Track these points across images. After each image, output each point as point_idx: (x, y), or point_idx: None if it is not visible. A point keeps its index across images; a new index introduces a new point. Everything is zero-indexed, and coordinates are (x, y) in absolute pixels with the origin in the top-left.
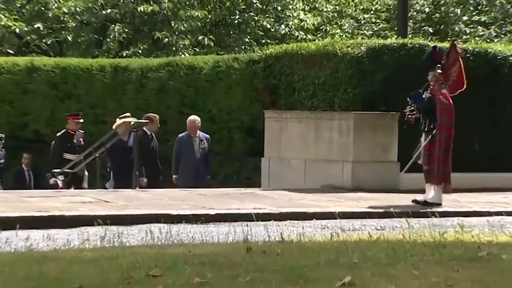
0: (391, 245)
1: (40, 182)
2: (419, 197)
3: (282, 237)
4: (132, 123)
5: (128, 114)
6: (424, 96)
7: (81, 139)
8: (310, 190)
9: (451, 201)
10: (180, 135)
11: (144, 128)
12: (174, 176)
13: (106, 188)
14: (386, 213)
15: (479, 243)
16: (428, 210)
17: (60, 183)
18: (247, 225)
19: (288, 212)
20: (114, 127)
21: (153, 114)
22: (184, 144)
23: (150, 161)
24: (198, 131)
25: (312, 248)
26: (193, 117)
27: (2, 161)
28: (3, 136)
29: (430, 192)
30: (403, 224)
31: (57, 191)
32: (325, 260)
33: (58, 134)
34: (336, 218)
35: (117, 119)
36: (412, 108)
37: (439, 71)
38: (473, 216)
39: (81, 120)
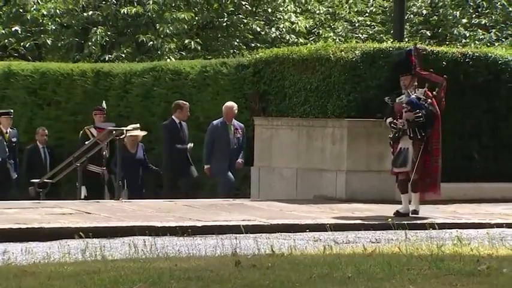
0: (387, 259)
1: (57, 161)
2: (411, 207)
3: (272, 250)
4: (141, 137)
5: (137, 125)
6: (425, 104)
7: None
8: (302, 201)
9: (449, 213)
10: (215, 122)
11: (173, 117)
12: (206, 167)
13: (120, 199)
14: (381, 225)
15: (479, 256)
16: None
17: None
18: (235, 238)
19: (278, 223)
20: (124, 140)
21: (183, 102)
22: (219, 133)
23: (179, 151)
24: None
25: (303, 262)
26: (230, 103)
27: (15, 139)
28: (12, 111)
29: (414, 201)
30: (399, 237)
31: (36, 202)
32: (318, 275)
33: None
34: (329, 230)
35: (125, 130)
36: (420, 115)
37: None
38: (473, 229)
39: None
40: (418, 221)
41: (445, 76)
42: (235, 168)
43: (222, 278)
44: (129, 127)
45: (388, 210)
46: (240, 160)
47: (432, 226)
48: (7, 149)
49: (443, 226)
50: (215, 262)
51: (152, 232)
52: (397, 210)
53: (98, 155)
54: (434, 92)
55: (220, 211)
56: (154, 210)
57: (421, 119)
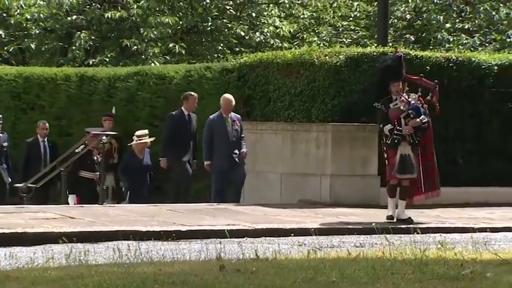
0: (371, 263)
1: (57, 154)
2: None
3: (256, 254)
4: (148, 143)
5: (146, 132)
6: (424, 109)
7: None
8: (286, 205)
9: (433, 217)
10: (211, 116)
11: (182, 108)
12: (206, 163)
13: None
14: (366, 230)
15: (463, 260)
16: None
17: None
18: (220, 243)
19: (263, 228)
20: (133, 146)
21: (190, 92)
22: (217, 126)
23: (186, 143)
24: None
25: (288, 266)
26: (228, 95)
27: (6, 144)
28: (1, 116)
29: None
30: (384, 241)
31: (20, 207)
32: (302, 279)
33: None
34: (313, 235)
35: (135, 136)
36: (426, 121)
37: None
38: (456, 233)
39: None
40: (402, 225)
41: (436, 81)
42: (241, 158)
43: (206, 282)
44: (138, 133)
45: (372, 214)
46: (244, 150)
47: (416, 230)
48: None
49: (427, 230)
50: (199, 267)
51: (136, 237)
52: (397, 219)
53: (90, 160)
54: (428, 98)
55: (204, 215)
56: (139, 215)
57: (426, 125)
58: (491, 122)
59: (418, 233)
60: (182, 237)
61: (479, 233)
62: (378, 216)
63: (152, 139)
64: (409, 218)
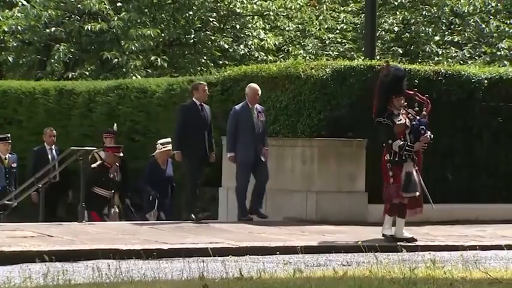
0: (358, 282)
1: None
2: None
3: (240, 273)
4: (172, 151)
5: (169, 139)
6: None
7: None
8: (271, 222)
9: (422, 235)
10: (237, 106)
11: (193, 98)
12: (229, 155)
13: (147, 219)
14: (353, 248)
15: (452, 279)
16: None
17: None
18: (203, 261)
19: (247, 246)
20: (156, 155)
21: (199, 81)
22: (242, 117)
23: (200, 135)
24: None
25: (273, 286)
26: (254, 85)
27: (14, 165)
28: (9, 135)
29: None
30: (371, 259)
31: None
32: None
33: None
34: (299, 253)
35: (159, 144)
36: (432, 136)
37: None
38: (446, 251)
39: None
40: (390, 243)
41: (427, 95)
42: (264, 155)
43: None
44: (161, 141)
45: (359, 231)
46: (267, 148)
47: (404, 249)
48: (7, 175)
49: (415, 248)
50: (182, 286)
51: (117, 255)
52: (397, 237)
53: (105, 177)
54: (423, 113)
55: (187, 233)
56: (119, 233)
57: (431, 141)
58: (481, 137)
59: (406, 251)
60: (164, 256)
61: (469, 251)
62: (365, 233)
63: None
64: (412, 237)
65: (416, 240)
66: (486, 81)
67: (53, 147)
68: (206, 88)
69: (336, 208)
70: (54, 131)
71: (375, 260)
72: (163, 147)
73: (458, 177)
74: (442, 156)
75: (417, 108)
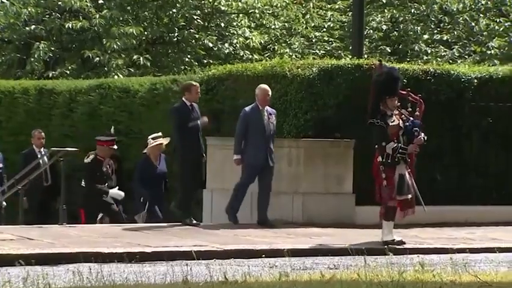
0: (345, 286)
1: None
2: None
3: (225, 277)
4: (163, 145)
5: (160, 134)
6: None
7: None
8: (257, 225)
9: (410, 238)
10: (247, 108)
11: (183, 98)
12: (236, 157)
13: (135, 221)
14: (340, 251)
15: (441, 283)
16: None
17: None
18: (186, 265)
19: (232, 249)
20: (145, 150)
21: (191, 82)
22: (252, 119)
23: (192, 137)
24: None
25: None
26: (265, 86)
27: (1, 165)
28: None
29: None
30: (359, 262)
31: None
32: None
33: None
34: (285, 256)
35: (150, 139)
36: (425, 138)
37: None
38: (435, 254)
39: None
40: (378, 246)
41: (420, 95)
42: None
43: None
44: (152, 136)
45: (347, 234)
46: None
47: (392, 252)
48: None
49: (404, 251)
50: None
51: (98, 259)
52: (386, 241)
53: (99, 172)
54: (416, 113)
55: (170, 236)
56: (101, 236)
57: (425, 142)
58: (470, 137)
59: (394, 254)
60: (147, 259)
61: (459, 254)
62: (352, 236)
63: (167, 140)
64: (401, 240)
65: (404, 243)
66: (476, 81)
67: (42, 149)
68: (199, 90)
69: (322, 210)
70: (42, 133)
71: (362, 263)
72: (155, 142)
73: (448, 178)
74: (431, 157)
75: (410, 109)
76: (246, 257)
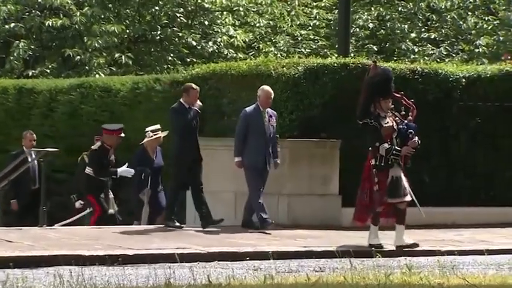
0: None
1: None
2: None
3: (209, 280)
4: (162, 138)
5: (158, 126)
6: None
7: None
8: (241, 227)
9: None
10: (247, 109)
11: (181, 100)
12: (236, 160)
13: (140, 199)
14: (326, 253)
15: (429, 286)
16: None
17: None
18: (169, 267)
19: (216, 251)
20: (143, 142)
21: (191, 85)
22: (253, 120)
23: (191, 139)
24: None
25: None
26: (267, 87)
27: None
28: None
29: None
30: (345, 265)
31: None
32: None
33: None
34: (270, 258)
35: (148, 131)
36: (419, 141)
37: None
38: (422, 256)
39: None
40: (365, 248)
41: (412, 100)
42: (274, 165)
43: None
44: (150, 128)
45: (333, 236)
46: (277, 160)
47: (379, 254)
48: None
49: (391, 254)
50: None
51: (79, 261)
52: (399, 246)
53: (106, 160)
54: (409, 117)
55: (153, 238)
56: (82, 238)
57: (419, 146)
58: (458, 137)
59: (381, 257)
60: (129, 262)
61: (447, 256)
62: (339, 238)
63: (166, 133)
64: (414, 243)
65: (418, 245)
66: (464, 80)
67: (32, 151)
68: (198, 94)
69: (308, 212)
70: (34, 135)
71: (348, 266)
72: (154, 135)
73: (435, 179)
74: (418, 158)
75: (404, 112)
76: (230, 260)
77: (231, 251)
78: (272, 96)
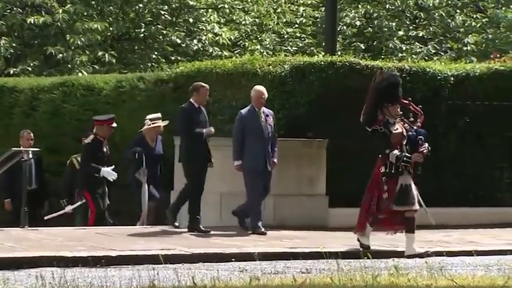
0: None
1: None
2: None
3: (193, 281)
4: (162, 127)
5: (159, 115)
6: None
7: None
8: (226, 227)
9: (385, 240)
10: (242, 111)
11: (191, 100)
12: (236, 164)
13: (138, 179)
14: (312, 254)
15: (417, 287)
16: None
17: None
18: (153, 269)
19: (201, 253)
20: (144, 131)
21: (201, 83)
22: (249, 122)
23: (202, 140)
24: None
25: None
26: (260, 87)
27: None
28: None
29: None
30: (332, 266)
31: None
32: None
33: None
34: (255, 260)
35: (147, 119)
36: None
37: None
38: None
39: None
40: (352, 250)
41: (420, 106)
42: (272, 167)
43: None
44: (150, 116)
45: (320, 237)
46: (274, 160)
47: (366, 255)
48: None
49: (378, 255)
50: None
51: (61, 263)
52: (409, 255)
53: (100, 152)
54: (418, 123)
55: (137, 239)
56: (64, 239)
57: (429, 153)
58: (447, 137)
59: (368, 258)
60: (112, 263)
61: (435, 257)
62: (325, 239)
63: (166, 122)
64: (426, 251)
65: (429, 253)
66: (452, 79)
67: (30, 151)
68: (208, 92)
69: (294, 212)
70: (31, 134)
71: (335, 267)
72: (153, 123)
73: (424, 178)
74: None
75: (412, 119)
76: (215, 261)
77: (216, 252)
78: (264, 96)
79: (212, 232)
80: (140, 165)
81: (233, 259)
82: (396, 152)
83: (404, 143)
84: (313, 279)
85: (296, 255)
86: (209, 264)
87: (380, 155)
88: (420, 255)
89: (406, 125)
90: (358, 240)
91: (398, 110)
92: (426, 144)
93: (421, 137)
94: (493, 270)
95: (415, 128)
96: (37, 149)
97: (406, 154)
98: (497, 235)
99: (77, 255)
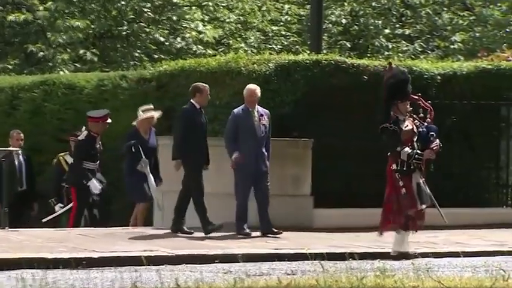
0: None
1: (34, 168)
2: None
3: (177, 283)
4: (155, 118)
5: (151, 106)
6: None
7: None
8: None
9: (371, 242)
10: (235, 110)
11: (192, 101)
12: (234, 155)
13: (138, 172)
14: (297, 255)
15: None
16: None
17: None
18: (136, 271)
19: (184, 254)
20: (134, 123)
21: (202, 84)
22: (242, 121)
23: (199, 141)
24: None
25: None
26: (253, 86)
27: None
28: None
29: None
30: (317, 268)
31: None
32: None
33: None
34: (240, 261)
35: (140, 111)
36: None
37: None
38: (397, 259)
39: None
40: (337, 251)
41: (429, 102)
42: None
43: None
44: (142, 107)
45: (305, 238)
46: (267, 161)
47: (352, 256)
48: None
49: (364, 256)
50: None
51: (42, 264)
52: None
53: (93, 150)
54: (428, 119)
55: (119, 241)
56: (45, 240)
57: (441, 149)
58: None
59: (354, 259)
60: (94, 265)
61: (422, 258)
62: (310, 240)
63: (159, 113)
64: (414, 252)
65: (416, 254)
66: (439, 77)
67: (20, 151)
68: (209, 92)
69: (279, 213)
70: (21, 134)
71: (321, 269)
72: (145, 114)
73: None
74: None
75: (422, 115)
76: (199, 263)
77: (199, 253)
78: (256, 95)
79: (196, 234)
80: (140, 157)
81: (217, 260)
82: (407, 149)
83: (415, 139)
84: (299, 281)
85: (281, 256)
86: (193, 266)
87: (389, 153)
88: (406, 255)
89: (416, 121)
90: (396, 251)
91: (408, 106)
92: (437, 141)
93: (432, 133)
94: (480, 272)
95: (425, 124)
96: (17, 149)
97: (418, 151)
98: (484, 236)
99: (58, 256)
